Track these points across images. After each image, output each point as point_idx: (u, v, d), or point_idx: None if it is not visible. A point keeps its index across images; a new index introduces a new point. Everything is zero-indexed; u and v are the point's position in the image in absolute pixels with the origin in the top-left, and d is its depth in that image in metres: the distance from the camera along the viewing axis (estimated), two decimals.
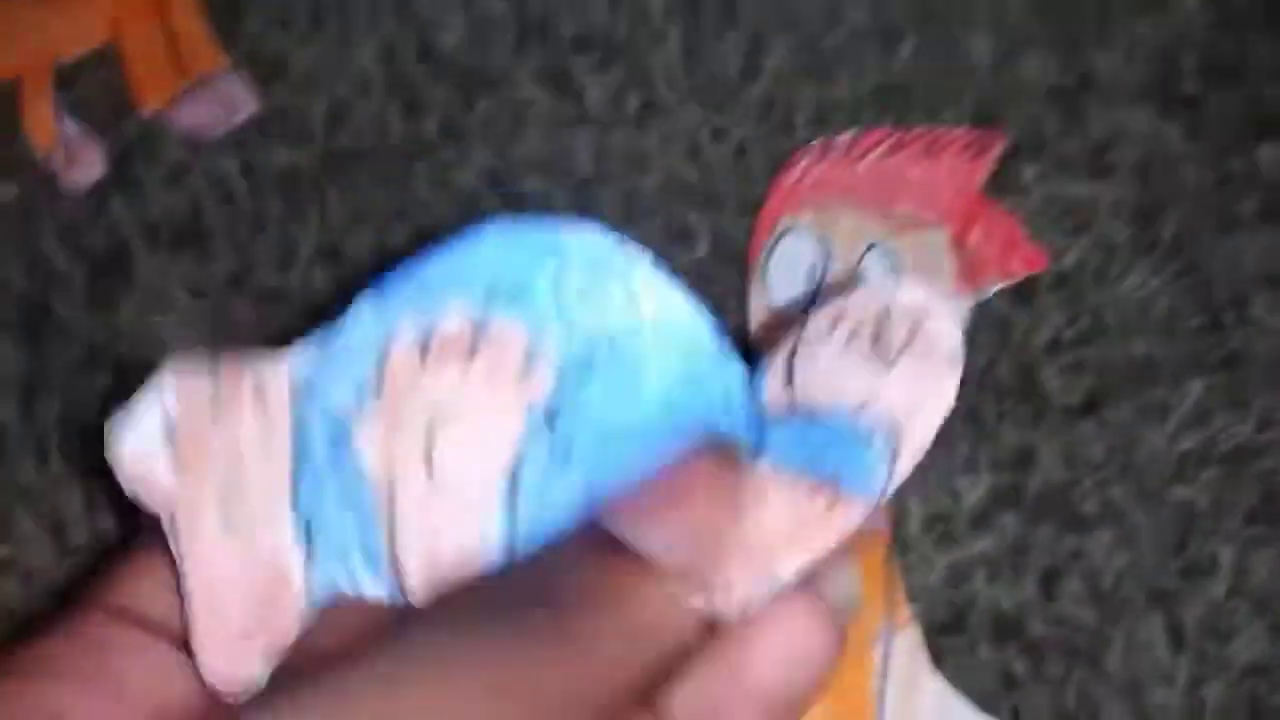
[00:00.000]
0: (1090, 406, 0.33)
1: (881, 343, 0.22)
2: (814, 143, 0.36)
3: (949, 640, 0.31)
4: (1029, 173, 0.36)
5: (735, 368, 0.23)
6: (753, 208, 0.35)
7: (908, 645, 0.30)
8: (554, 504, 0.22)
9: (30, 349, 0.34)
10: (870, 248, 0.35)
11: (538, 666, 0.18)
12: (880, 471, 0.22)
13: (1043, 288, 0.35)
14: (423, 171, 0.36)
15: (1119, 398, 0.33)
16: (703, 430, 0.22)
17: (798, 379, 0.23)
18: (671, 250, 0.35)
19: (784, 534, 0.21)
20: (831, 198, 0.35)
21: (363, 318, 0.23)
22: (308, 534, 0.22)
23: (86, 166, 0.36)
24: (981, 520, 0.32)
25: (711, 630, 0.20)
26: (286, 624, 0.22)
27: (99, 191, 0.36)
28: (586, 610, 0.19)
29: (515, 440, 0.22)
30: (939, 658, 0.31)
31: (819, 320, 0.23)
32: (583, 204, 0.35)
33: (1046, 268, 0.35)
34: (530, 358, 0.22)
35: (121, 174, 0.36)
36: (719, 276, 0.35)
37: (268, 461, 0.22)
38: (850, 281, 0.31)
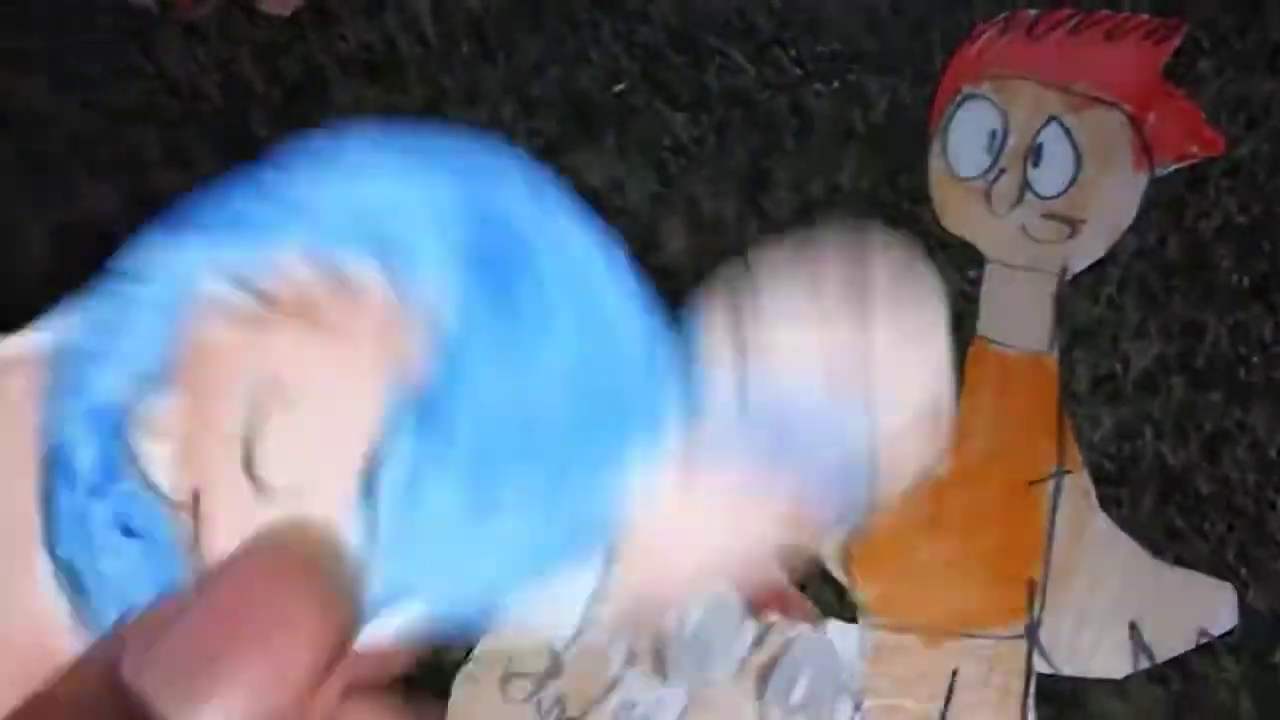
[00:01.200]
0: (1260, 290, 0.34)
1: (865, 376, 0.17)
2: (997, 17, 0.36)
3: (1114, 491, 0.32)
4: (1205, 66, 0.36)
5: (663, 338, 0.18)
6: (930, 79, 0.36)
7: (1078, 487, 0.31)
8: (432, 508, 0.16)
9: (227, 163, 0.35)
10: (1049, 121, 0.35)
11: None
12: (859, 496, 0.17)
13: (1216, 174, 0.35)
14: (608, 22, 0.37)
15: None
16: (618, 410, 0.17)
17: (755, 378, 0.18)
18: (848, 113, 0.36)
19: (711, 545, 0.17)
20: (1011, 71, 0.36)
21: (149, 268, 0.16)
22: (75, 584, 0.16)
23: None
24: (1149, 383, 0.33)
25: None
26: None
27: (296, 21, 0.37)
28: None
29: (372, 426, 0.16)
30: (1105, 506, 0.31)
31: (793, 324, 0.18)
32: (760, 63, 0.36)
33: (1220, 155, 0.35)
34: (394, 314, 0.16)
35: (319, 6, 0.37)
36: (895, 141, 0.35)
37: (5, 490, 0.16)
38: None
